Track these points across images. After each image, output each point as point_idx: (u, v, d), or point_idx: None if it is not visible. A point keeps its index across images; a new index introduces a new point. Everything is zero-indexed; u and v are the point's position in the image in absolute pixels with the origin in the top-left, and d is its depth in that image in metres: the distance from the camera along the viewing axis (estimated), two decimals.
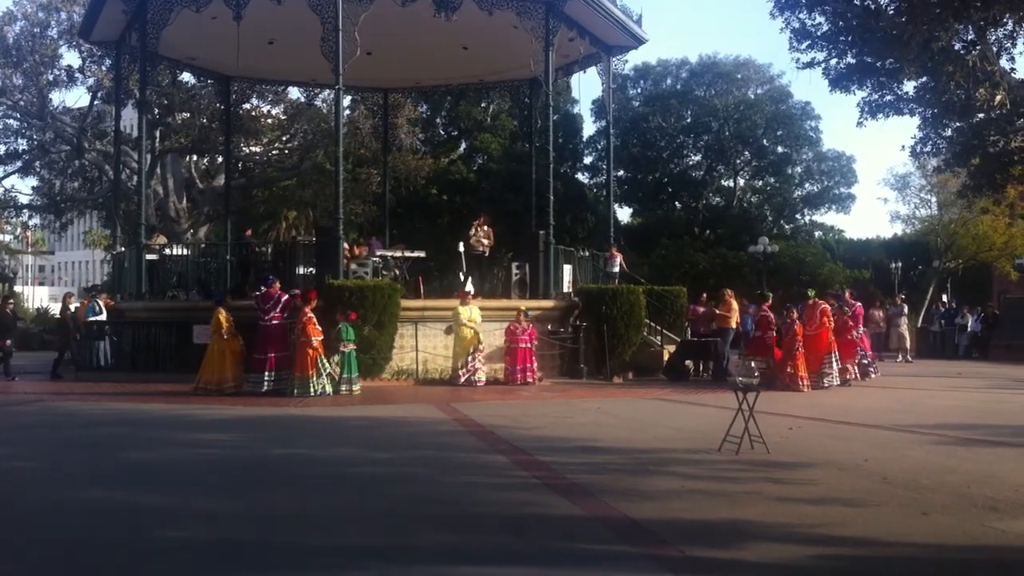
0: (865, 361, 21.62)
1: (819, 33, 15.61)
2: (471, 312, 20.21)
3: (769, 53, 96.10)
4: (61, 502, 8.28)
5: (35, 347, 34.32)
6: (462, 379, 19.77)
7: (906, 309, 32.15)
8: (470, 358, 19.97)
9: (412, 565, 6.43)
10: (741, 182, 58.75)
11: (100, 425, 13.75)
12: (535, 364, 20.53)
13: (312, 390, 17.16)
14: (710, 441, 11.03)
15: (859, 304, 23.00)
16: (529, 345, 20.53)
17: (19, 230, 59.48)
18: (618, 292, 22.39)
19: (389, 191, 35.22)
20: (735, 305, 23.34)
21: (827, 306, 20.28)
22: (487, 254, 24.52)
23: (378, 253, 23.07)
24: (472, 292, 21.57)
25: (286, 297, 17.97)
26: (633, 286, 23.43)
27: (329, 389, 17.43)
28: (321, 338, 17.48)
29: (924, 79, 16.06)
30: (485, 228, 24.36)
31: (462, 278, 23.71)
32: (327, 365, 17.47)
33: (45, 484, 9.23)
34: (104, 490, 8.90)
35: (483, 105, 53.47)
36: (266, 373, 17.66)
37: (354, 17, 20.54)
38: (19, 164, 41.17)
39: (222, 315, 18.19)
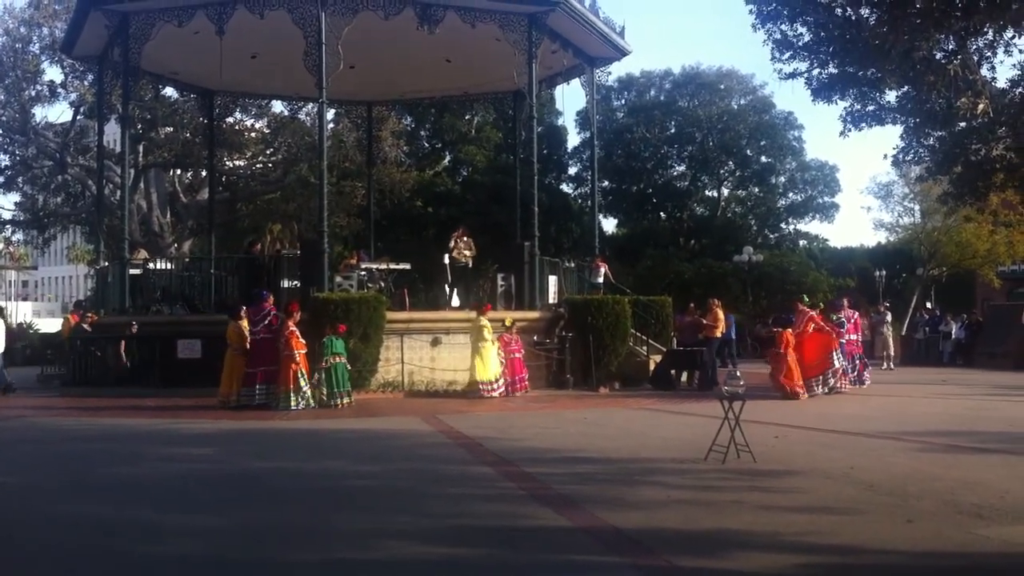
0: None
1: (801, 44, 15.65)
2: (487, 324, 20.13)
3: (752, 64, 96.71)
4: (44, 518, 8.23)
5: (18, 362, 34.01)
6: (497, 392, 19.63)
7: (889, 316, 32.25)
8: (503, 368, 19.99)
9: None
10: (725, 192, 58.97)
11: (83, 440, 13.67)
12: (526, 374, 20.58)
13: (294, 403, 17.11)
14: (696, 450, 11.03)
15: (856, 313, 23.06)
16: (520, 355, 20.55)
17: (2, 245, 59.17)
18: (603, 303, 22.40)
19: (374, 204, 35.20)
20: (721, 315, 23.40)
21: (813, 313, 20.37)
22: (470, 265, 24.49)
23: (363, 266, 23.04)
24: (458, 304, 21.53)
25: (272, 314, 17.90)
26: (618, 296, 23.46)
27: (314, 403, 17.38)
28: (304, 351, 17.44)
29: (906, 89, 16.13)
30: (465, 239, 24.32)
31: (447, 291, 23.72)
32: (306, 380, 17.41)
33: (28, 499, 9.17)
34: (87, 505, 8.84)
35: (467, 117, 53.55)
36: (256, 386, 17.63)
37: (337, 31, 20.55)
38: (1, 180, 40.97)
39: (230, 330, 18.16)
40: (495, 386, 19.62)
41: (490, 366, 19.72)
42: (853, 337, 21.90)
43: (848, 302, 23.19)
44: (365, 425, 15.25)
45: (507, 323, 20.60)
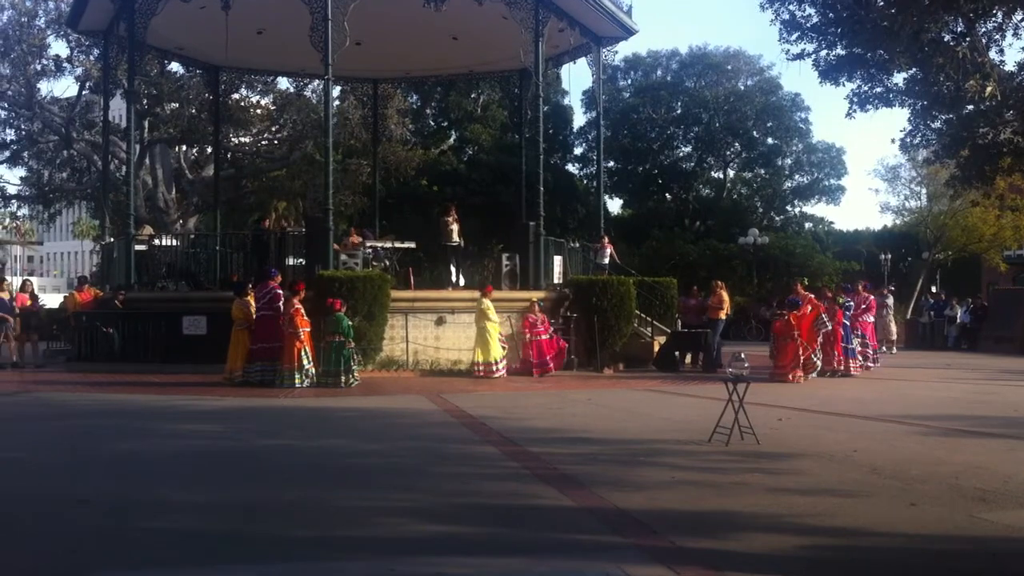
0: (870, 351, 22.14)
1: (809, 24, 15.56)
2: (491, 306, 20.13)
3: (759, 44, 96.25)
4: (50, 493, 8.25)
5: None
6: (499, 373, 19.67)
7: (891, 300, 32.16)
8: (504, 349, 20.04)
9: (401, 556, 6.41)
10: (731, 173, 58.79)
11: (90, 416, 13.69)
12: (553, 354, 20.67)
13: (298, 381, 17.14)
14: (700, 432, 11.05)
15: (871, 297, 23.05)
16: (548, 336, 20.58)
17: (7, 221, 59.17)
18: (608, 283, 22.37)
19: (379, 182, 35.14)
20: (726, 297, 23.38)
21: (812, 296, 20.41)
22: (462, 245, 24.39)
23: (368, 244, 23.02)
24: (463, 284, 21.54)
25: (276, 292, 17.82)
26: (623, 277, 23.42)
27: (316, 381, 17.38)
28: (308, 329, 17.46)
29: (914, 71, 16.05)
30: (453, 217, 24.12)
31: (452, 272, 23.74)
32: (310, 358, 17.43)
33: (35, 475, 9.20)
34: (93, 481, 8.87)
35: (473, 96, 53.47)
36: (260, 363, 17.64)
37: (343, 7, 20.48)
38: (7, 154, 40.87)
39: (235, 307, 18.16)
40: (496, 367, 19.65)
41: (492, 347, 19.76)
42: (870, 320, 22.08)
43: (864, 285, 23.21)
44: (369, 403, 15.27)
45: (534, 299, 20.76)
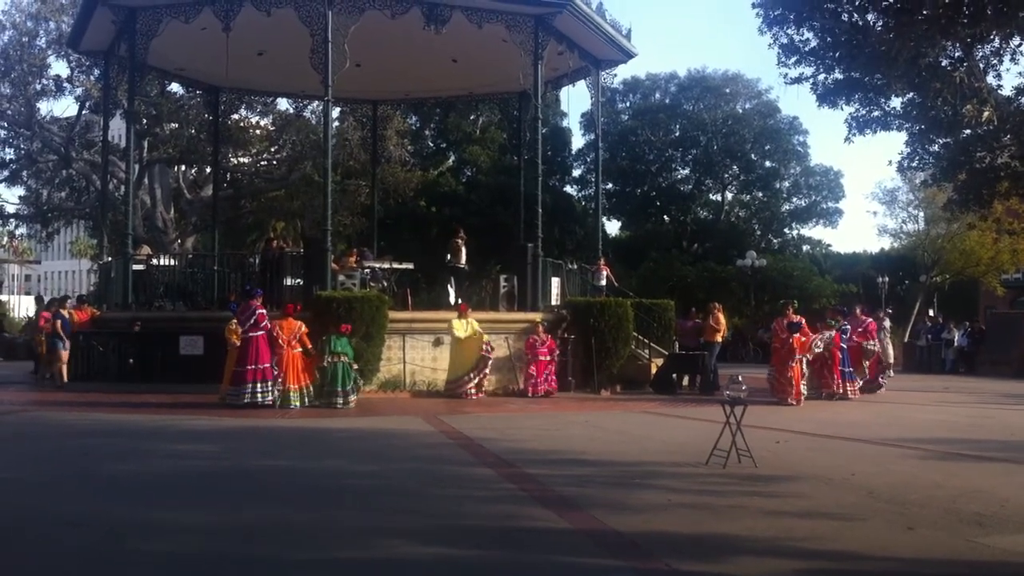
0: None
1: (807, 49, 15.62)
2: (467, 325, 20.11)
3: (757, 68, 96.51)
4: (46, 514, 8.23)
5: (22, 356, 34.03)
6: (469, 392, 19.70)
7: (887, 323, 32.12)
8: (476, 370, 20.02)
9: None
10: (729, 196, 58.87)
11: (84, 436, 13.65)
12: (544, 377, 20.67)
13: (295, 402, 17.09)
14: (697, 454, 11.03)
15: (868, 319, 23.02)
16: (550, 357, 20.59)
17: (5, 239, 59.07)
18: (606, 305, 22.35)
19: (378, 203, 35.18)
20: (723, 319, 23.38)
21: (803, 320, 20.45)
22: (461, 265, 24.50)
23: (366, 265, 23.02)
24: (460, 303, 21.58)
25: (260, 312, 17.57)
26: (621, 299, 23.42)
27: (317, 401, 17.32)
28: (309, 348, 17.43)
29: (911, 95, 16.11)
30: (463, 240, 24.28)
31: (450, 292, 23.74)
32: (310, 378, 17.40)
33: (29, 495, 9.17)
34: (86, 501, 8.85)
35: (472, 118, 53.59)
36: (245, 384, 17.29)
37: (344, 29, 20.56)
38: (6, 173, 41.00)
39: (231, 327, 18.04)
40: (459, 384, 19.75)
41: (456, 365, 19.95)
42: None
43: (861, 309, 23.24)
44: (366, 424, 15.25)
45: (537, 319, 20.99)
